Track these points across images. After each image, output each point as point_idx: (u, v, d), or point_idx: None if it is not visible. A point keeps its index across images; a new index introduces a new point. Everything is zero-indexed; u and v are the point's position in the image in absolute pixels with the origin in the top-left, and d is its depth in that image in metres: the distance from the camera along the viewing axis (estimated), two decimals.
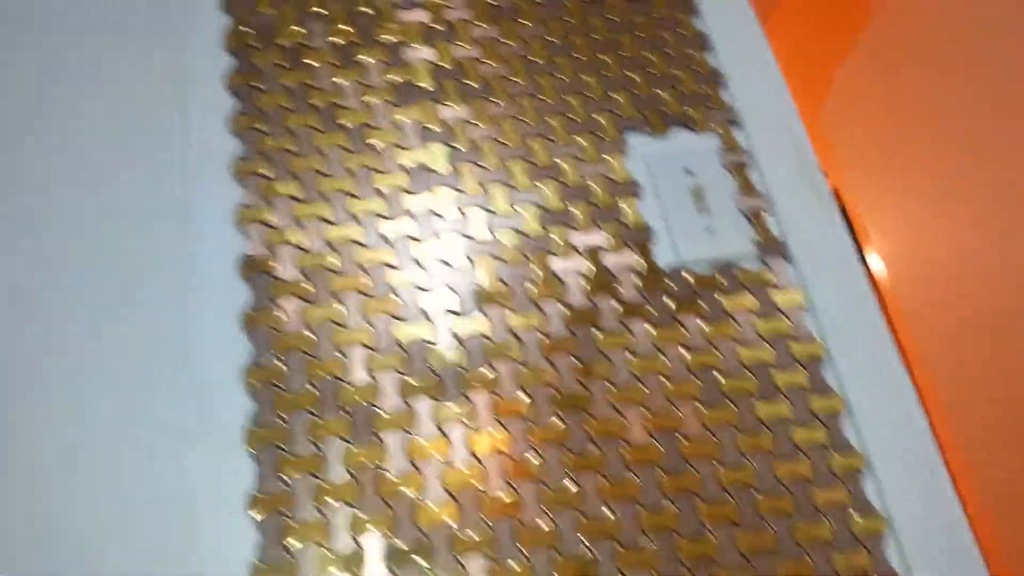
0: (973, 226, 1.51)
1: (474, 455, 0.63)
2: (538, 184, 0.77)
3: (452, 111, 0.79)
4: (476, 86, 0.81)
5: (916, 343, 1.79)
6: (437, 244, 0.72)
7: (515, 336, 0.68)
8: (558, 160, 0.78)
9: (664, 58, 0.85)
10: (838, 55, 1.89)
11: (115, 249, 0.68)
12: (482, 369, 0.67)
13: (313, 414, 0.64)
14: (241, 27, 0.80)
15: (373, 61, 0.81)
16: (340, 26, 0.82)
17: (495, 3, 0.86)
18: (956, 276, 1.59)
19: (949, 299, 1.61)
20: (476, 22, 0.85)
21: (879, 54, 1.74)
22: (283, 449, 0.62)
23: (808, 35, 2.18)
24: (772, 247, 0.76)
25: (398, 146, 0.77)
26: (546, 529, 0.61)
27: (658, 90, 0.83)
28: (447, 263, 0.71)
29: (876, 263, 1.93)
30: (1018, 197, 1.39)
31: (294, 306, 0.68)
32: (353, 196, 0.73)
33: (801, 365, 0.71)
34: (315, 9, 0.82)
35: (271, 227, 0.71)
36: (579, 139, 0.79)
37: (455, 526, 0.61)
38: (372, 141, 0.76)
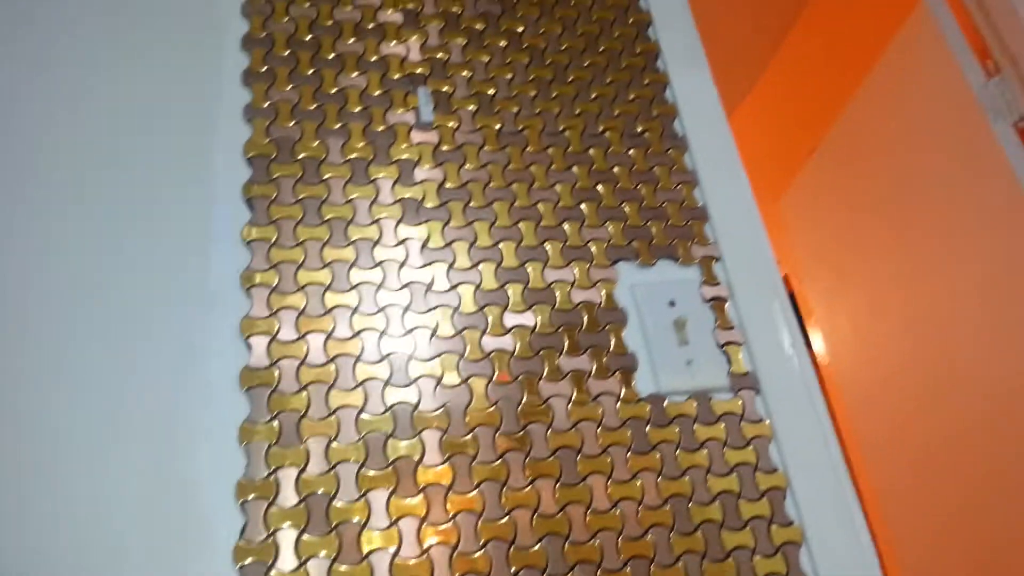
0: (903, 326, 1.61)
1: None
2: (533, 307, 0.82)
3: (455, 232, 0.84)
4: (479, 207, 0.86)
5: (851, 422, 1.86)
6: (434, 363, 0.77)
7: (502, 459, 0.73)
8: (552, 284, 0.84)
9: (655, 191, 0.92)
10: (801, 155, 1.99)
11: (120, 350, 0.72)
12: (472, 494, 0.71)
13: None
14: (258, 139, 0.85)
15: (384, 177, 0.86)
16: (356, 143, 0.87)
17: (503, 129, 0.92)
18: (882, 363, 1.69)
19: (877, 382, 1.70)
20: (484, 147, 0.90)
21: (838, 160, 1.84)
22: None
23: (776, 133, 2.29)
24: (744, 380, 0.82)
25: (403, 264, 0.81)
26: None
27: (648, 222, 0.90)
28: (440, 381, 0.76)
29: (818, 344, 2.02)
30: (939, 307, 1.48)
31: (291, 418, 0.72)
32: (357, 311, 0.78)
33: (764, 496, 0.76)
34: (334, 126, 0.88)
35: (274, 339, 0.75)
36: (573, 265, 0.85)
37: None
38: (378, 255, 0.81)
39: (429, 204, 0.86)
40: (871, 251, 1.70)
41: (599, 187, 0.91)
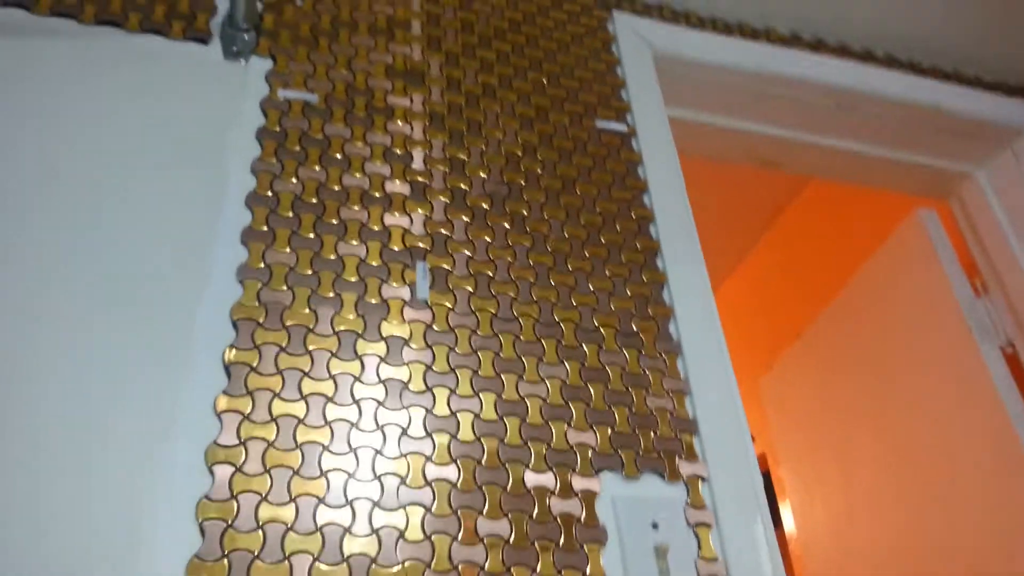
0: (850, 513, 1.58)
1: None
2: (509, 515, 0.77)
3: (437, 421, 0.81)
4: (465, 396, 0.83)
5: None
6: (396, 568, 0.71)
7: None
8: (532, 489, 0.79)
9: (645, 398, 0.89)
10: (785, 338, 2.00)
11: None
12: None
13: None
14: (247, 302, 0.82)
15: (371, 353, 0.83)
16: (347, 315, 0.85)
17: (498, 314, 0.90)
18: (837, 545, 1.64)
19: (833, 562, 1.65)
20: (477, 331, 0.88)
21: (821, 349, 1.85)
22: None
23: (763, 311, 2.32)
24: None
25: (378, 452, 0.77)
26: None
27: (636, 430, 0.87)
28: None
29: (788, 520, 1.96)
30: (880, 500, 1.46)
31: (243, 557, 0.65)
32: (322, 503, 0.73)
33: None
34: (328, 294, 0.85)
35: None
36: (557, 473, 0.81)
37: None
38: (354, 440, 0.77)
39: (414, 388, 0.82)
40: (848, 445, 1.67)
41: (590, 386, 0.89)
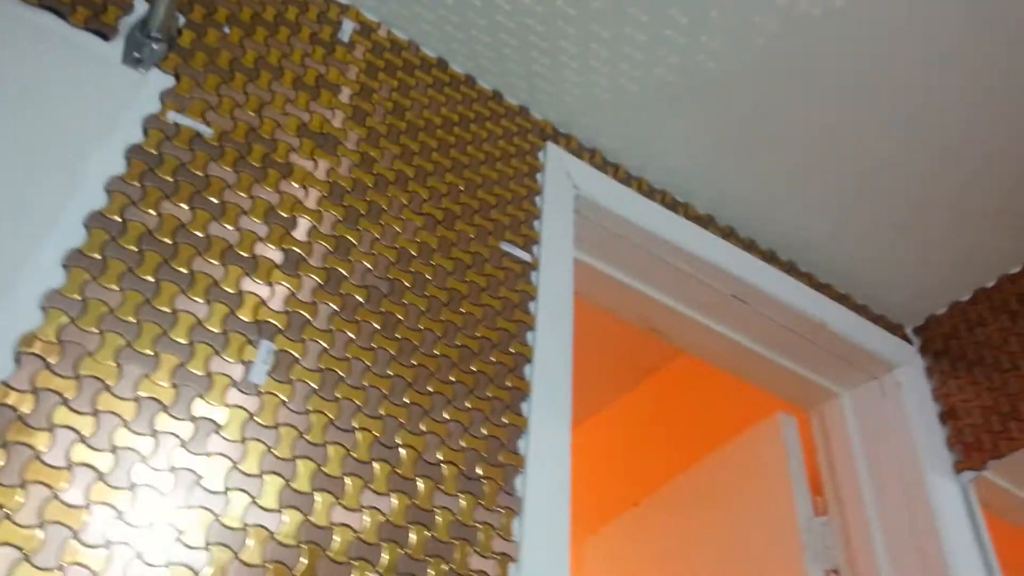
0: None
1: None
2: None
3: (222, 533, 0.69)
4: (266, 511, 0.72)
5: None
6: None
7: None
8: None
9: (471, 553, 0.80)
10: (621, 506, 1.95)
11: None
12: None
13: None
14: (43, 335, 0.69)
15: (168, 432, 0.71)
16: (159, 379, 0.72)
17: (335, 422, 0.80)
18: None
19: None
20: (305, 436, 0.78)
21: (649, 526, 1.79)
22: None
23: (603, 476, 2.27)
24: None
25: (138, 556, 0.64)
26: None
27: None
28: None
29: None
30: None
31: None
32: None
33: None
34: (145, 351, 0.73)
35: None
36: None
37: None
38: (114, 537, 0.64)
39: (208, 485, 0.70)
40: None
41: (411, 530, 0.79)
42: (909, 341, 1.53)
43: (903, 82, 1.17)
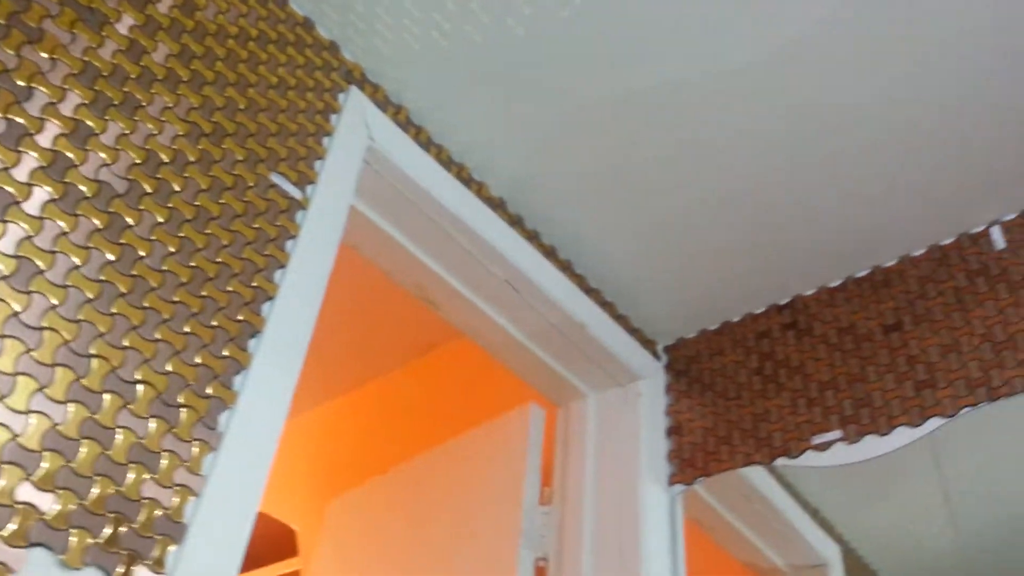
0: None
1: None
2: None
3: None
4: None
5: None
6: None
7: None
8: None
9: (146, 480, 0.75)
10: (372, 473, 1.96)
11: None
12: None
13: None
14: None
15: None
16: None
17: None
18: None
19: None
20: None
21: (390, 495, 1.81)
22: None
23: (364, 442, 2.26)
24: None
25: None
26: None
27: (109, 513, 0.72)
28: None
29: None
30: None
31: None
32: None
33: None
34: None
35: None
36: None
37: None
38: None
39: None
40: None
41: (82, 443, 0.73)
42: (658, 357, 1.64)
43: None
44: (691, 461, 1.49)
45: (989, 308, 1.29)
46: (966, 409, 1.22)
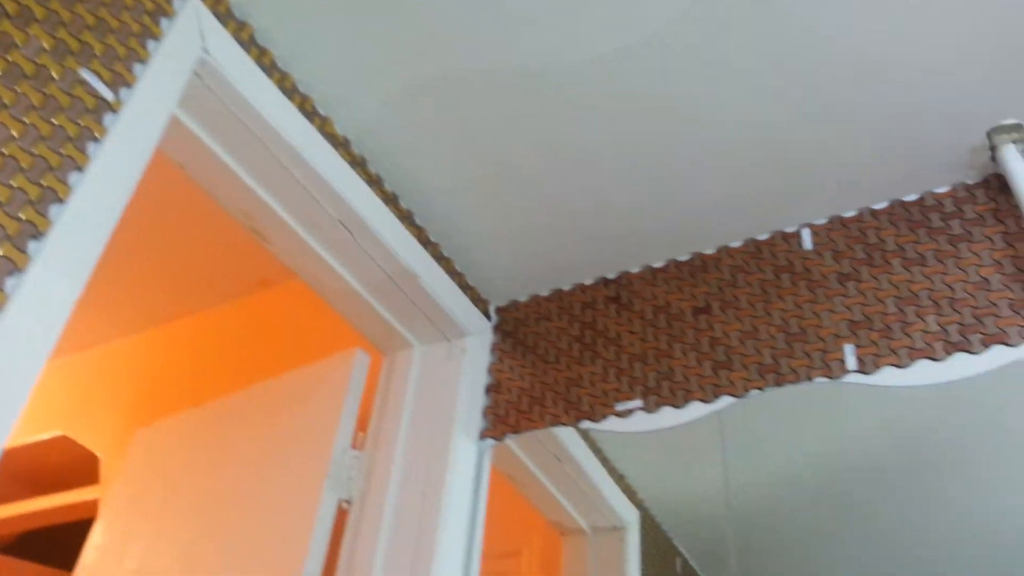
0: None
1: None
2: None
3: None
4: None
5: None
6: None
7: None
8: None
9: None
10: (188, 404, 1.90)
11: None
12: None
13: None
14: None
15: None
16: None
17: None
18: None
19: None
20: None
21: (202, 429, 1.76)
22: None
23: (190, 371, 2.19)
24: None
25: None
26: None
27: None
28: None
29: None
30: None
31: None
32: None
33: None
34: None
35: None
36: None
37: None
38: None
39: None
40: (172, 525, 1.58)
41: None
42: (488, 317, 1.67)
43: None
44: (504, 418, 1.53)
45: (788, 302, 1.39)
46: (755, 391, 1.33)
